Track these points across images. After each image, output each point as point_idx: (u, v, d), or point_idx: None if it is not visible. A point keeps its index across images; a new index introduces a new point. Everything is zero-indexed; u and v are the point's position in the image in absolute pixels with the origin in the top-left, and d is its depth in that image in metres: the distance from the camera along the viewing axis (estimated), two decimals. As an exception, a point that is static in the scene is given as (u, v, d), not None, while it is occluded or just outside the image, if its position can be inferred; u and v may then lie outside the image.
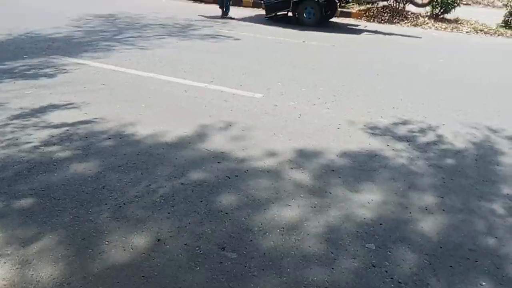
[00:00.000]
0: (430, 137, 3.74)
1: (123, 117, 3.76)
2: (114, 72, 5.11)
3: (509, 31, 9.87)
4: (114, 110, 3.92)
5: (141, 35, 7.35)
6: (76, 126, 3.53)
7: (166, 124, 3.67)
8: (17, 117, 3.64)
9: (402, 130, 3.85)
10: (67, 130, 3.44)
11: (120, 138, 3.35)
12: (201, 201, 2.55)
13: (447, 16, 10.78)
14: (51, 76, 4.81)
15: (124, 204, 2.47)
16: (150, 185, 2.69)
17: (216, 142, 3.38)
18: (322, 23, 9.62)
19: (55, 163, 2.90)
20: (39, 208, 2.40)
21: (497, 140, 3.75)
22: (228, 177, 2.85)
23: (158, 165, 2.96)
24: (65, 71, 5.03)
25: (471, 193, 2.84)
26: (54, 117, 3.68)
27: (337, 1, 10.21)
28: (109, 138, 3.33)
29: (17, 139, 3.22)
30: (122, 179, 2.74)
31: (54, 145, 3.16)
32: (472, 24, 10.30)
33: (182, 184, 2.73)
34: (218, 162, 3.05)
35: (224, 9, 10.14)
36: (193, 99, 4.36)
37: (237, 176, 2.87)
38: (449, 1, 10.44)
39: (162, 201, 2.53)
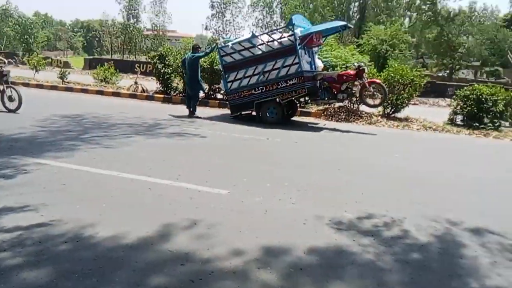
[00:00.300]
0: (394, 231, 3.78)
1: (82, 218, 3.61)
2: (76, 172, 5.02)
3: (455, 128, 10.78)
4: (73, 211, 3.77)
5: (107, 134, 7.43)
6: (31, 229, 3.33)
7: (128, 224, 3.54)
8: (-35, 221, 3.41)
9: (366, 225, 3.89)
10: (21, 234, 3.23)
11: (77, 241, 3.17)
12: (162, 310, 2.36)
13: (398, 115, 11.73)
14: (9, 177, 4.65)
15: (76, 316, 2.25)
16: (106, 293, 2.49)
17: (180, 242, 3.26)
18: (284, 122, 10.16)
19: (2, 272, 2.66)
20: (-23, 326, 2.14)
21: (458, 232, 3.84)
22: (192, 281, 2.70)
23: (116, 270, 2.78)
24: (25, 171, 4.89)
25: (439, 288, 2.82)
26: (8, 220, 3.47)
27: (297, 102, 10.96)
28: (65, 242, 3.15)
29: (-38, 245, 2.98)
30: (76, 288, 2.53)
31: (4, 251, 2.94)
32: (421, 122, 11.22)
33: (142, 290, 2.55)
34: (182, 264, 2.91)
35: (191, 109, 10.59)
36: (158, 197, 4.30)
37: (201, 279, 2.73)
38: (398, 102, 11.46)
39: (119, 311, 2.33)
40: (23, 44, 38.17)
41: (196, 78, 10.61)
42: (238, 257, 3.07)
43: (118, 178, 4.87)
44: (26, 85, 15.51)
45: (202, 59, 11.59)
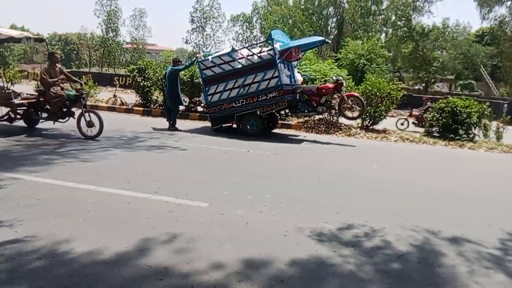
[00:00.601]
0: (374, 241, 3.81)
1: (57, 233, 3.50)
2: (52, 186, 4.89)
3: (431, 139, 11.04)
4: (48, 226, 3.65)
5: (85, 147, 7.28)
6: (3, 246, 3.21)
7: (105, 239, 3.45)
8: None
9: (347, 235, 3.90)
10: (-9, 251, 3.11)
11: (52, 257, 3.07)
12: (140, 326, 2.30)
13: (376, 127, 11.96)
14: (-20, 191, 4.49)
15: (49, 336, 2.17)
16: (82, 310, 2.41)
17: (159, 257, 3.20)
18: (265, 134, 10.20)
19: (-30, 291, 2.55)
20: None
21: (436, 242, 3.90)
22: (171, 295, 2.65)
23: (92, 286, 2.69)
24: (-3, 186, 4.73)
25: (419, 297, 2.84)
26: (-22, 237, 3.34)
27: (278, 115, 11.03)
28: (40, 258, 3.04)
29: None
30: (50, 306, 2.44)
31: (-27, 269, 2.82)
32: (399, 134, 11.44)
33: (119, 307, 2.48)
34: (160, 279, 2.85)
35: (171, 122, 10.52)
36: (136, 211, 4.21)
37: (181, 294, 2.68)
38: (376, 114, 11.68)
39: (95, 329, 2.25)
40: (-2, 57, 37.46)
41: (176, 91, 10.57)
42: (218, 271, 3.03)
43: (95, 192, 4.77)
44: (1, 98, 15.11)
45: (183, 72, 11.58)
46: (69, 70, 36.45)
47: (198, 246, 3.44)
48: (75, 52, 59.10)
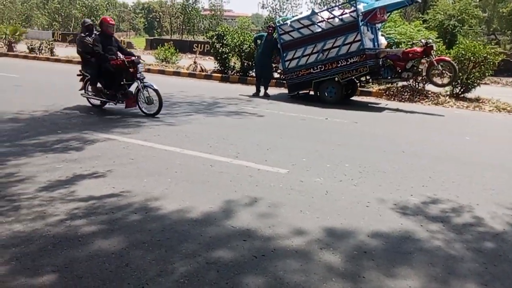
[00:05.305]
0: (465, 218, 3.56)
1: (149, 191, 3.77)
2: (142, 147, 5.24)
3: (533, 110, 9.85)
4: (141, 184, 3.95)
5: (169, 112, 7.66)
6: (103, 199, 3.54)
7: (192, 199, 3.64)
8: (45, 190, 3.70)
9: (434, 210, 3.69)
10: (94, 203, 3.45)
11: (146, 212, 3.32)
12: (227, 283, 2.41)
13: (468, 95, 10.92)
14: (82, 150, 4.97)
15: (146, 283, 2.37)
16: (174, 263, 2.59)
17: (242, 219, 3.30)
18: (343, 101, 9.87)
19: (80, 239, 2.85)
20: (61, 286, 2.32)
21: (538, 222, 3.53)
22: (254, 256, 2.73)
23: (182, 242, 2.87)
24: (95, 146, 5.19)
25: (518, 281, 2.61)
26: (82, 190, 3.72)
27: (357, 81, 10.56)
28: (135, 213, 3.31)
29: (44, 212, 3.23)
30: (146, 257, 2.65)
31: (80, 218, 3.15)
32: (494, 103, 10.36)
33: (207, 263, 2.61)
34: (244, 240, 2.95)
35: (258, 89, 10.60)
36: (219, 174, 4.37)
37: (264, 255, 2.75)
38: (469, 81, 10.65)
39: (186, 281, 2.41)
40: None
41: (261, 60, 10.62)
42: (299, 237, 3.05)
43: (181, 154, 5.02)
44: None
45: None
46: (152, 37, 38.07)
47: (279, 211, 3.49)
48: (157, 20, 61.58)
